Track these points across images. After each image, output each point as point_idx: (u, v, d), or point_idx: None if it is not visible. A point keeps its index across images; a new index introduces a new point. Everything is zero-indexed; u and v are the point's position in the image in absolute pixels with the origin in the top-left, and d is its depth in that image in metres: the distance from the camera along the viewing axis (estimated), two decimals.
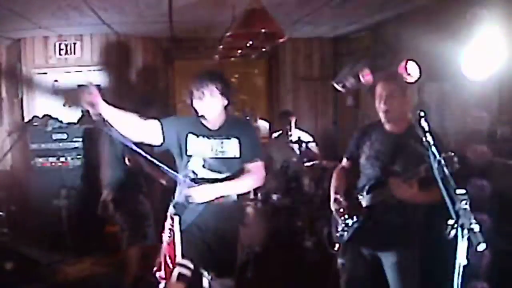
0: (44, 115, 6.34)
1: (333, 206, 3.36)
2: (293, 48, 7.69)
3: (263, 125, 7.45)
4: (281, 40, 3.87)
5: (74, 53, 6.69)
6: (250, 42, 3.96)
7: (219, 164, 3.22)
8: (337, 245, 3.41)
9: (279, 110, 7.11)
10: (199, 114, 3.24)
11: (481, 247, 1.69)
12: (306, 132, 6.33)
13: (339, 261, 3.46)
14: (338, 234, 3.39)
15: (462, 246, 1.73)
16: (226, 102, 3.27)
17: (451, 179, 1.92)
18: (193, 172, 3.06)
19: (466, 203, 1.77)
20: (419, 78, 4.18)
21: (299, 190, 5.78)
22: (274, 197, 5.68)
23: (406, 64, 4.37)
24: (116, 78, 6.81)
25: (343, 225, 3.33)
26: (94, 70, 6.70)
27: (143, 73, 7.06)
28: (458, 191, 1.82)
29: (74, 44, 6.66)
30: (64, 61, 6.73)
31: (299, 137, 5.96)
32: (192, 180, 3.07)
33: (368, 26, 6.29)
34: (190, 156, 3.16)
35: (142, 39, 7.01)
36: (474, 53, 3.65)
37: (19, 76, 6.69)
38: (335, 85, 6.41)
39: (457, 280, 1.76)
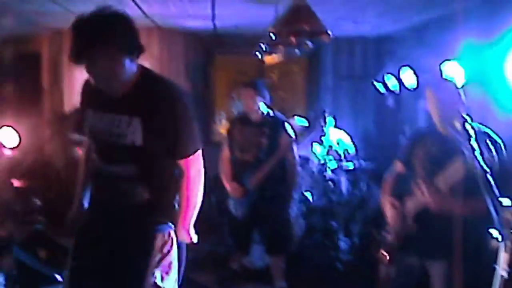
0: None
1: (388, 211, 3.24)
2: (335, 46, 7.61)
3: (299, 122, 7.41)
4: (324, 39, 3.83)
5: None
6: (293, 40, 3.93)
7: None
8: (387, 255, 3.29)
9: (318, 108, 7.06)
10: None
11: None
12: (346, 132, 6.26)
13: (386, 269, 3.37)
14: (388, 241, 3.27)
15: (503, 257, 1.69)
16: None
17: (495, 187, 1.86)
18: None
19: (510, 213, 1.72)
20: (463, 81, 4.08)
21: (335, 190, 5.74)
22: (310, 197, 5.66)
23: (449, 65, 4.30)
24: (158, 71, 6.85)
25: (395, 232, 3.24)
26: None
27: (184, 68, 7.10)
28: (502, 200, 1.77)
29: None
30: None
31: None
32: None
33: (412, 26, 6.19)
34: None
35: (184, 34, 7.05)
36: None
37: (61, 66, 6.81)
38: (376, 85, 6.35)
39: None
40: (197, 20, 6.05)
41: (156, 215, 2.59)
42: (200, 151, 2.64)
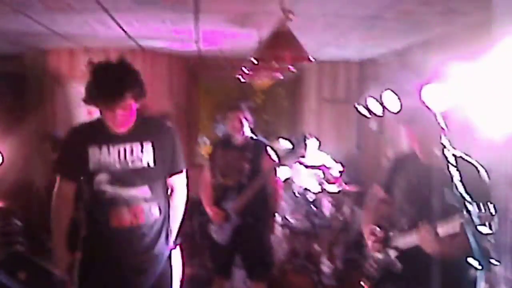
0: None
1: (368, 239, 3.14)
2: (319, 70, 7.68)
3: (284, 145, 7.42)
4: (307, 63, 3.85)
5: None
6: (275, 65, 3.94)
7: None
8: (367, 284, 3.22)
9: (302, 131, 7.08)
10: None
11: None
12: (330, 156, 6.27)
13: None
14: (370, 272, 3.18)
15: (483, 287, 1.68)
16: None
17: (475, 215, 1.85)
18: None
19: (490, 243, 1.71)
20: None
21: (318, 214, 5.73)
22: (292, 220, 5.64)
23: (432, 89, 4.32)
24: None
25: (374, 261, 3.17)
26: None
27: (168, 90, 7.10)
28: (483, 230, 1.75)
29: (99, 57, 6.72)
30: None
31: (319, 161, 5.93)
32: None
33: (395, 50, 6.25)
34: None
35: (168, 56, 7.05)
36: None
37: (44, 86, 6.77)
38: (359, 108, 6.38)
39: None
40: (181, 42, 6.05)
41: (165, 232, 3.03)
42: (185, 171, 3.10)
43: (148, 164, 2.88)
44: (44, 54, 6.70)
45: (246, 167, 4.42)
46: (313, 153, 6.01)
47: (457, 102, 4.31)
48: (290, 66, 4.16)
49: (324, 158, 6.10)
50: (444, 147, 2.23)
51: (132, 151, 2.86)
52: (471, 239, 1.75)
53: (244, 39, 5.41)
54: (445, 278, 2.74)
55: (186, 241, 3.40)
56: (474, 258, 1.70)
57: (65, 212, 2.95)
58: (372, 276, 3.15)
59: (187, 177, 3.18)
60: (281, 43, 3.67)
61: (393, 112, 5.72)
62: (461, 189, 2.02)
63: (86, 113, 6.42)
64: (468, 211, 1.89)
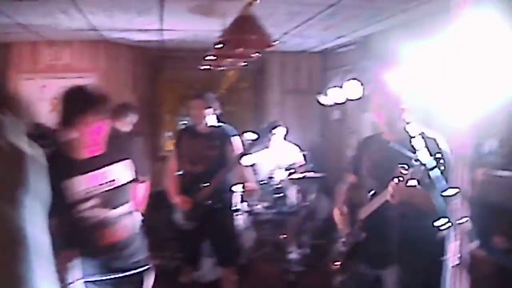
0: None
1: (338, 221, 3.34)
2: (281, 61, 7.74)
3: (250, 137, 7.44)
4: (270, 49, 3.88)
5: (62, 59, 6.67)
6: (240, 50, 3.96)
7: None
8: (338, 262, 3.36)
9: (266, 122, 7.12)
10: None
11: (472, 245, 1.69)
12: (295, 144, 6.32)
13: (339, 278, 3.42)
14: (339, 250, 3.35)
15: (452, 246, 1.73)
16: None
17: (442, 179, 1.92)
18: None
19: (457, 203, 1.77)
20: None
21: (284, 201, 5.76)
22: (259, 208, 5.66)
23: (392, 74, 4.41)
24: (104, 85, 6.77)
25: (345, 240, 3.31)
26: (82, 77, 6.63)
27: (131, 82, 7.04)
28: (449, 191, 1.82)
29: (62, 50, 6.66)
30: (53, 67, 6.68)
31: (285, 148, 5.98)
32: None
33: (356, 40, 6.33)
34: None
35: (131, 47, 6.99)
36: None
37: (7, 79, 6.62)
38: (321, 98, 6.46)
39: (448, 280, 1.75)
40: (145, 33, 6.01)
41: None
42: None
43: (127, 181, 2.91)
44: (7, 47, 6.57)
45: (214, 155, 4.44)
46: (280, 141, 6.05)
47: (418, 87, 4.43)
48: (254, 52, 4.18)
49: (289, 147, 6.16)
50: (407, 123, 2.31)
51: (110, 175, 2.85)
52: (437, 199, 1.82)
53: (209, 29, 5.40)
54: (411, 239, 2.87)
55: (153, 234, 3.39)
56: (441, 217, 1.76)
57: None
58: (341, 253, 3.26)
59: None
60: (246, 27, 3.70)
61: (355, 100, 5.83)
62: (425, 157, 2.10)
63: (48, 108, 6.35)
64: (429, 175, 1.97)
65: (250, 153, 4.52)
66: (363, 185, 3.30)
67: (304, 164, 6.14)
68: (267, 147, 6.09)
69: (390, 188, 2.76)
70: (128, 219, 2.92)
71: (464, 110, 3.48)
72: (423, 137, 2.41)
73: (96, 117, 2.63)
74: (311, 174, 5.91)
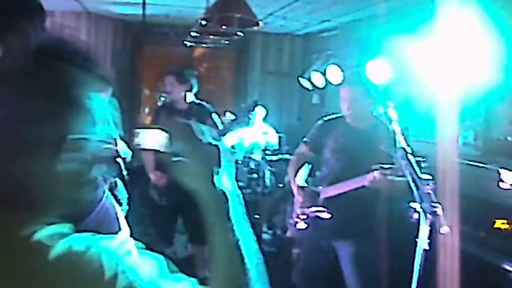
0: None
1: (296, 193, 3.40)
2: (264, 42, 7.73)
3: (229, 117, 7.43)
4: (255, 28, 3.86)
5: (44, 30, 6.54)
6: (224, 27, 3.93)
7: None
8: (289, 232, 3.44)
9: (245, 102, 7.11)
10: None
11: (444, 229, 1.72)
12: (271, 125, 6.33)
13: (294, 251, 3.49)
14: (292, 222, 3.43)
15: (424, 230, 1.76)
16: None
17: (415, 164, 1.95)
18: None
19: (429, 187, 1.81)
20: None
21: (259, 182, 5.78)
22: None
23: (373, 64, 4.43)
24: None
25: (300, 213, 3.36)
26: None
27: (111, 54, 6.96)
28: (423, 176, 1.86)
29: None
30: None
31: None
32: None
33: (340, 25, 6.33)
34: None
35: (113, 20, 6.91)
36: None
37: None
38: (301, 81, 6.46)
39: (418, 265, 1.79)
40: (127, 6, 5.93)
41: None
42: None
43: None
44: None
45: None
46: (258, 122, 6.04)
47: (399, 74, 4.46)
48: (238, 31, 4.16)
49: (266, 128, 6.16)
50: (389, 109, 2.35)
51: None
52: (411, 184, 1.85)
53: (191, 4, 5.35)
54: (375, 220, 2.96)
55: (128, 210, 3.31)
56: (415, 202, 1.79)
57: None
58: (296, 229, 3.33)
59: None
60: (231, 5, 3.67)
61: (335, 85, 5.84)
62: (403, 143, 2.13)
63: None
64: (408, 159, 2.00)
65: (228, 133, 4.52)
66: (320, 162, 3.41)
67: (280, 146, 6.16)
68: (245, 127, 6.08)
69: (370, 177, 2.85)
70: None
71: (446, 99, 3.55)
72: (393, 121, 2.45)
73: None
74: (287, 156, 5.93)
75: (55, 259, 0.81)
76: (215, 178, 1.14)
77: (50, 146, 0.88)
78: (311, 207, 3.29)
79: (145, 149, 1.11)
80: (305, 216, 3.34)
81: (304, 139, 3.62)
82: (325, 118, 3.56)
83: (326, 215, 3.21)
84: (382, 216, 2.99)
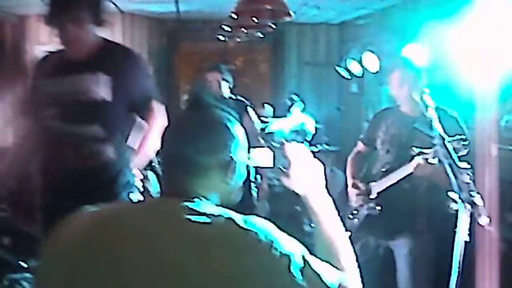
0: None
1: (350, 192, 3.36)
2: (299, 33, 7.65)
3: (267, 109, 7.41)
4: (287, 19, 3.82)
5: None
6: (256, 20, 3.90)
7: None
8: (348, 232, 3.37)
9: (283, 95, 7.08)
10: None
11: (484, 220, 1.65)
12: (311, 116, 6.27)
13: None
14: (350, 221, 3.35)
15: (463, 221, 1.69)
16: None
17: (454, 153, 1.89)
18: None
19: (468, 177, 1.74)
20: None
21: None
22: (275, 180, 5.65)
23: (411, 49, 4.33)
24: None
25: (356, 212, 3.30)
26: None
27: (148, 54, 7.01)
28: (461, 165, 1.80)
29: None
30: None
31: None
32: None
33: (375, 12, 6.22)
34: None
35: (147, 19, 6.95)
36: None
37: (24, 53, 6.64)
38: (339, 70, 6.37)
39: (457, 257, 1.72)
40: (160, 4, 5.96)
41: (121, 175, 2.63)
42: (162, 106, 2.75)
43: (103, 98, 2.51)
44: (24, 20, 6.57)
45: None
46: (296, 114, 6.00)
47: (438, 60, 4.35)
48: (270, 23, 4.13)
49: (305, 119, 6.10)
50: (425, 95, 2.28)
51: (86, 82, 2.52)
52: (450, 173, 1.79)
53: (224, 0, 5.33)
54: (423, 214, 2.88)
55: None
56: (454, 192, 1.73)
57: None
58: (351, 227, 3.26)
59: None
60: None
61: (373, 73, 5.75)
62: (440, 130, 2.07)
63: None
64: (446, 147, 1.94)
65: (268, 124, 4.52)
66: (374, 157, 3.31)
67: (319, 137, 6.10)
68: (283, 119, 6.04)
69: (414, 163, 2.81)
70: (94, 145, 2.56)
71: (487, 84, 3.44)
72: (443, 114, 2.38)
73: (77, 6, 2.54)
74: (326, 147, 5.88)
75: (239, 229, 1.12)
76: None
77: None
78: (363, 204, 3.24)
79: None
80: (356, 212, 3.30)
81: (361, 136, 3.61)
82: (376, 111, 3.55)
83: (376, 212, 3.17)
84: (431, 210, 2.87)
